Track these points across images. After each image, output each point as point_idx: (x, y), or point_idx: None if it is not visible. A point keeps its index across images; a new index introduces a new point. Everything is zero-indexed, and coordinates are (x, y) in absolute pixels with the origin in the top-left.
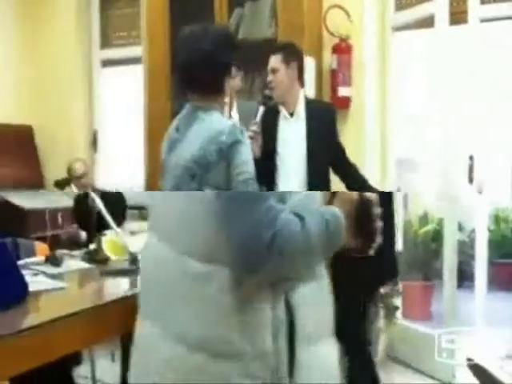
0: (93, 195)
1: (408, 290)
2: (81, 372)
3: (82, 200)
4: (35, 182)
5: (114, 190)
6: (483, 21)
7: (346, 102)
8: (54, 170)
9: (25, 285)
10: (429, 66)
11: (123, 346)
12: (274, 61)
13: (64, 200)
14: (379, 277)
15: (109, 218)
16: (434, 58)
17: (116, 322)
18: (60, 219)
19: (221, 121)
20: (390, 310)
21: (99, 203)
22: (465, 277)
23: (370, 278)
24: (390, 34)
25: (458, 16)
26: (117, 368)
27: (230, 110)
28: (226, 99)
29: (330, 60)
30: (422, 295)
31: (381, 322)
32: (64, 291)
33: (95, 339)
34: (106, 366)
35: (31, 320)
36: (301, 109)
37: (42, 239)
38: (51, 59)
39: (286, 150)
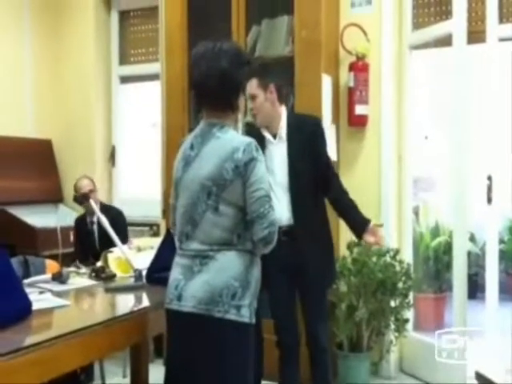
0: (101, 216)
1: (420, 302)
2: None
3: (83, 222)
4: (54, 196)
5: (116, 208)
6: (501, 40)
7: (363, 120)
8: (72, 183)
9: (28, 303)
10: (446, 85)
11: (133, 363)
12: (251, 87)
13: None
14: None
15: (114, 235)
16: (451, 77)
17: (121, 338)
18: (72, 237)
19: (236, 138)
20: (401, 323)
21: (105, 223)
22: (478, 288)
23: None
24: (408, 53)
25: (475, 35)
26: None
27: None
28: (239, 115)
29: (346, 78)
30: (434, 307)
31: (391, 335)
32: (68, 309)
33: (99, 355)
34: (118, 383)
35: (32, 338)
36: (283, 130)
37: (54, 257)
38: (71, 75)
39: (274, 167)
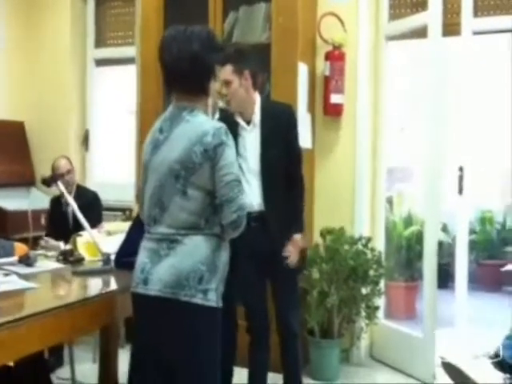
0: (68, 198)
1: (392, 290)
2: (62, 374)
3: (58, 202)
4: (26, 179)
5: (92, 190)
6: (476, 33)
7: (338, 109)
8: (45, 167)
9: None
10: (422, 77)
11: (102, 347)
12: (225, 73)
13: (48, 201)
14: None
15: (83, 219)
16: (426, 69)
17: (86, 321)
18: (43, 221)
19: (206, 122)
20: (371, 310)
21: (74, 206)
22: (450, 278)
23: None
24: (384, 43)
25: (451, 28)
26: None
27: (214, 113)
28: (209, 100)
29: (323, 66)
30: (405, 296)
31: (362, 322)
32: (33, 291)
33: (62, 337)
34: (88, 368)
35: None
36: (257, 117)
37: (25, 240)
38: (45, 57)
39: (246, 153)
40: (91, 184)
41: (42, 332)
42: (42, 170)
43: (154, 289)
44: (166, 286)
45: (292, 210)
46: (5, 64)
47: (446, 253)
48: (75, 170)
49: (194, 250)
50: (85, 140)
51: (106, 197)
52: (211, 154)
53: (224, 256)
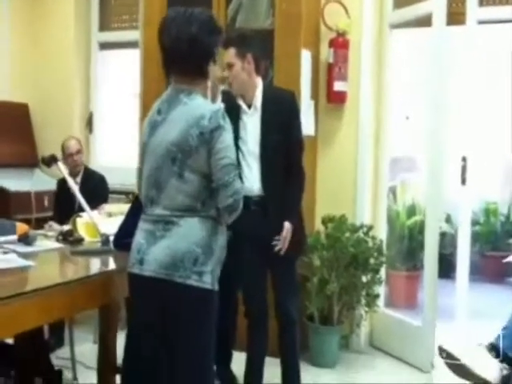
0: (70, 181)
1: (393, 279)
2: (62, 354)
3: (64, 184)
4: (30, 160)
5: (99, 173)
6: (480, 23)
7: (341, 97)
8: (48, 148)
9: None
10: (425, 65)
11: (101, 328)
12: (228, 56)
13: (52, 183)
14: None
15: (82, 200)
16: (430, 58)
17: (83, 299)
18: (46, 202)
19: (203, 105)
20: (371, 298)
21: (74, 188)
22: (453, 269)
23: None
24: (388, 31)
25: (455, 17)
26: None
27: (215, 98)
28: (208, 83)
29: (326, 54)
30: (406, 285)
31: (362, 310)
32: (31, 269)
33: (58, 315)
34: (88, 349)
35: None
36: (258, 101)
37: (27, 221)
38: (50, 39)
39: (247, 136)
40: (95, 167)
41: (39, 309)
42: (46, 151)
43: (149, 269)
44: (160, 267)
45: (289, 197)
46: (9, 46)
47: (449, 243)
48: (84, 151)
49: (190, 231)
50: (89, 122)
51: (110, 180)
52: (208, 138)
53: (221, 239)
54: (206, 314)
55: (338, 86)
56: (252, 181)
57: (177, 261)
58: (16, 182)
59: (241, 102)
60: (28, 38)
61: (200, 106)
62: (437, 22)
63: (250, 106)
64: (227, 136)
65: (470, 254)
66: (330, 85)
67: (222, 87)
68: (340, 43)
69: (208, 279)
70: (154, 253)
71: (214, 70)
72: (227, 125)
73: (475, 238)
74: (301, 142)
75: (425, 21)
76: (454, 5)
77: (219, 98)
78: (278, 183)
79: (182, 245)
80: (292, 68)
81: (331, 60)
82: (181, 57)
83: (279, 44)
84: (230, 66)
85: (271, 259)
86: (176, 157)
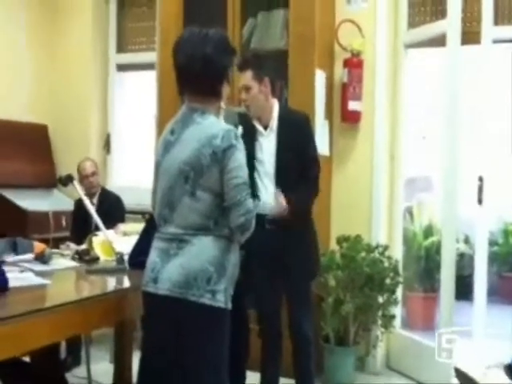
0: (85, 200)
1: (411, 300)
2: (78, 373)
3: (81, 204)
4: (48, 181)
5: (115, 194)
6: (496, 41)
7: (356, 117)
8: (67, 169)
9: (4, 279)
10: (440, 85)
11: (116, 346)
12: (245, 78)
13: (69, 203)
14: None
15: (98, 219)
16: (445, 77)
17: (96, 317)
18: (64, 222)
19: (216, 124)
20: (387, 319)
21: (90, 207)
22: (471, 290)
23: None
24: (402, 51)
25: (470, 36)
26: None
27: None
28: (222, 103)
29: (341, 73)
30: (424, 306)
31: (378, 330)
32: (46, 287)
33: (72, 332)
34: (104, 368)
35: (2, 312)
36: (274, 122)
37: (45, 241)
38: (67, 60)
39: (263, 157)
40: (112, 187)
41: (54, 326)
42: (64, 172)
43: (163, 288)
44: (174, 286)
45: (299, 192)
46: (28, 68)
47: (467, 265)
48: (100, 173)
49: (203, 250)
50: (106, 143)
51: (127, 200)
52: (220, 157)
53: (233, 258)
54: (219, 333)
55: (352, 105)
56: (267, 200)
57: (190, 279)
58: (34, 201)
59: (257, 124)
60: (46, 60)
61: (213, 125)
62: (451, 41)
63: (265, 127)
64: (239, 155)
65: (487, 275)
66: (344, 104)
67: (239, 109)
68: (354, 63)
69: (221, 298)
70: (168, 271)
71: (227, 89)
72: (239, 144)
73: (493, 258)
74: (317, 160)
75: (439, 40)
76: (468, 24)
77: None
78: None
79: (196, 263)
80: (306, 88)
81: (345, 80)
82: (195, 76)
83: (293, 64)
84: (247, 88)
85: (286, 277)
86: (188, 176)
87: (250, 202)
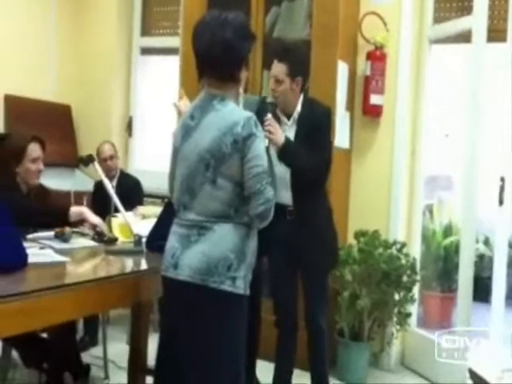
0: (105, 181)
1: (428, 299)
2: (95, 352)
3: (101, 186)
4: (71, 160)
5: (134, 177)
6: None
7: (377, 110)
8: (89, 150)
9: (24, 255)
10: (463, 82)
11: (132, 328)
12: (279, 70)
13: (90, 183)
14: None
15: (117, 200)
16: (469, 74)
17: (114, 297)
18: (85, 202)
19: (236, 112)
20: (403, 316)
21: (110, 189)
22: (490, 292)
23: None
24: (427, 46)
25: (496, 33)
26: None
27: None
28: (241, 89)
29: (363, 66)
30: (441, 306)
31: (393, 327)
32: (65, 265)
33: (89, 311)
34: (121, 348)
35: (21, 287)
36: (297, 113)
37: None
38: (92, 43)
39: None
40: (133, 170)
41: (72, 303)
42: (86, 152)
43: (183, 274)
44: (195, 272)
45: (319, 206)
46: (54, 50)
47: (487, 266)
48: (118, 156)
49: (224, 237)
50: (128, 126)
51: (147, 183)
52: (240, 145)
53: (252, 244)
54: (239, 319)
55: (374, 99)
56: (286, 191)
57: (211, 266)
58: (56, 180)
59: (281, 115)
60: (72, 42)
61: (232, 112)
62: (477, 38)
63: (289, 117)
64: (260, 144)
65: (508, 278)
66: (366, 98)
67: (269, 99)
68: (377, 56)
69: (241, 284)
70: (189, 258)
71: (245, 75)
72: (259, 132)
73: None
74: (327, 162)
75: (465, 37)
76: (495, 21)
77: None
78: (308, 195)
79: (217, 251)
80: (328, 79)
81: (368, 73)
82: (214, 61)
83: (316, 55)
84: (278, 80)
85: (303, 270)
86: (209, 163)
87: (269, 191)
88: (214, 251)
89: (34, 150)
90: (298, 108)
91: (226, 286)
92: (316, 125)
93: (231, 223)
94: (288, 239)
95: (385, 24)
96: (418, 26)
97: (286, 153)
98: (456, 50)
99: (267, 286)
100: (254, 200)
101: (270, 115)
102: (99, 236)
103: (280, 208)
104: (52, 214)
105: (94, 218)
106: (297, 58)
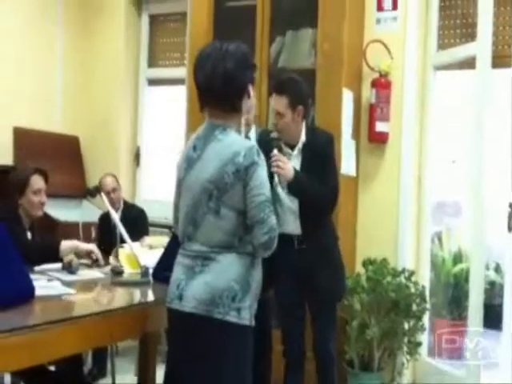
0: (112, 212)
1: (439, 327)
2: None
3: (107, 217)
4: (79, 192)
5: (139, 207)
6: None
7: (383, 137)
8: (96, 181)
9: (31, 288)
10: (469, 108)
11: (140, 359)
12: (280, 104)
13: (98, 214)
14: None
15: (123, 230)
16: (474, 101)
17: (119, 329)
18: (93, 233)
19: (238, 141)
20: (413, 346)
21: (116, 219)
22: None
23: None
24: (431, 73)
25: (501, 59)
26: None
27: (248, 131)
28: (243, 119)
29: (368, 94)
30: (452, 334)
31: (403, 357)
32: (72, 297)
33: (95, 344)
34: (129, 379)
35: (27, 320)
36: (301, 143)
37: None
38: (100, 74)
39: None
40: (140, 200)
41: (77, 336)
42: (94, 183)
43: (188, 305)
44: (200, 303)
45: (327, 235)
46: (62, 80)
47: (498, 294)
48: (121, 188)
49: (228, 268)
50: (136, 157)
51: (155, 213)
52: (243, 175)
53: (257, 274)
54: (245, 350)
55: (379, 126)
56: (294, 220)
57: (216, 297)
58: (65, 212)
59: (284, 146)
60: (79, 72)
61: (234, 142)
62: (481, 64)
63: (292, 148)
64: (262, 172)
65: None
66: (371, 125)
67: (274, 134)
68: (382, 84)
69: (246, 315)
70: (193, 289)
71: (247, 104)
72: (261, 161)
73: None
74: (335, 190)
75: (469, 63)
76: (500, 47)
77: (252, 132)
78: (316, 224)
79: (221, 281)
80: (333, 107)
81: (373, 100)
82: (215, 93)
83: (321, 83)
84: (280, 114)
85: (312, 299)
86: (212, 193)
87: (273, 220)
88: (218, 282)
89: (37, 181)
90: (302, 137)
91: (231, 317)
92: (320, 153)
93: (235, 253)
94: (297, 268)
95: (389, 51)
96: (423, 52)
97: (295, 185)
98: (461, 76)
99: (274, 315)
100: (257, 229)
101: (275, 151)
102: (95, 262)
103: (288, 237)
104: (44, 250)
105: (87, 246)
106: (295, 89)
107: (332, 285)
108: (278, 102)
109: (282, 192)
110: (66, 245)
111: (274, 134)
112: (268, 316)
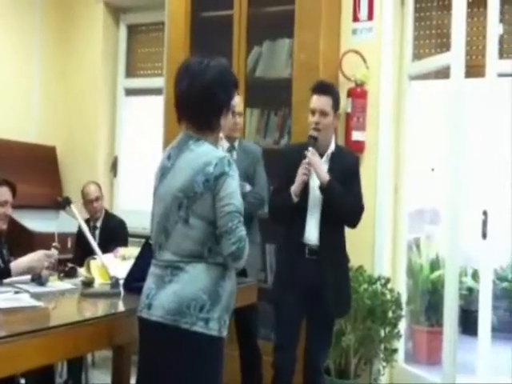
0: (82, 224)
1: (416, 334)
2: None
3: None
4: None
5: (119, 217)
6: (500, 75)
7: (359, 146)
8: (74, 191)
9: None
10: (444, 117)
11: (114, 370)
12: (325, 103)
13: (75, 225)
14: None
15: (93, 242)
16: (448, 110)
17: (86, 341)
18: (69, 244)
19: (210, 152)
20: (389, 352)
21: (86, 231)
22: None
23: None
24: (407, 82)
25: (474, 69)
26: None
27: (232, 143)
28: (220, 134)
29: (344, 103)
30: (429, 341)
31: (379, 364)
32: (39, 309)
33: (61, 356)
34: None
35: None
36: (330, 151)
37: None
38: (77, 84)
39: (315, 186)
40: (118, 210)
41: (43, 348)
42: (72, 193)
43: (156, 314)
44: (167, 313)
45: (342, 248)
46: (38, 90)
47: (475, 300)
48: (104, 197)
49: (196, 277)
50: (113, 166)
51: (133, 223)
52: (212, 185)
53: (228, 285)
54: (213, 361)
55: (355, 135)
56: (310, 229)
57: (183, 307)
58: (41, 222)
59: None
60: (56, 83)
61: (207, 152)
62: (455, 74)
63: (322, 155)
64: (232, 183)
65: (497, 311)
66: (347, 134)
67: (313, 133)
68: (358, 93)
69: (215, 326)
70: (161, 298)
71: (227, 120)
72: (232, 171)
73: (503, 294)
74: (362, 207)
75: (444, 73)
76: (474, 57)
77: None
78: (334, 237)
79: (189, 291)
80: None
81: (349, 110)
82: (191, 108)
83: (297, 93)
84: (323, 113)
85: (314, 310)
86: (182, 202)
87: (241, 230)
88: (185, 291)
89: (2, 193)
90: (332, 146)
91: (198, 328)
92: (349, 169)
93: (204, 263)
94: (306, 279)
95: (365, 61)
96: (398, 62)
97: (330, 188)
98: (436, 85)
99: (266, 326)
100: (225, 239)
101: (311, 148)
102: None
103: (300, 246)
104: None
105: (36, 255)
106: (337, 93)
107: (340, 298)
108: (324, 101)
109: (314, 194)
110: (15, 265)
111: (313, 133)
112: (254, 325)
